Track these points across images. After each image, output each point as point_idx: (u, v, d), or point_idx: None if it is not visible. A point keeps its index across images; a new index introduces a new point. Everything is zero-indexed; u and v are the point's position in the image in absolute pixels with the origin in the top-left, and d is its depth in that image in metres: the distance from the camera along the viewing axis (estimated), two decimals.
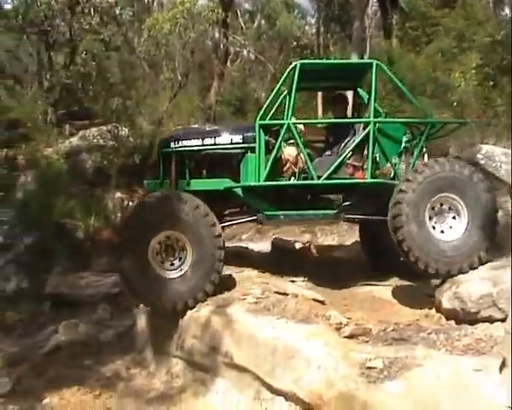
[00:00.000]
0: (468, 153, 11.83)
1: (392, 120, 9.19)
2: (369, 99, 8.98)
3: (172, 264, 8.22)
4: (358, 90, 9.70)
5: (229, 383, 7.39)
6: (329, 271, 9.90)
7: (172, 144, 9.00)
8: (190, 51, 22.36)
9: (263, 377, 7.00)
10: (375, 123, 8.60)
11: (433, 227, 7.99)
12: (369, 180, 8.60)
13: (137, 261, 8.05)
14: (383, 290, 8.81)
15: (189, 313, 8.05)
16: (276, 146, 8.57)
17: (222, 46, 25.23)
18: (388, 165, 9.16)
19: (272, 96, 8.95)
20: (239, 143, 8.84)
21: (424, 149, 8.85)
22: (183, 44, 21.69)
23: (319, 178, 8.56)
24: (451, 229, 8.03)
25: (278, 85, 8.92)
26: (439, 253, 7.85)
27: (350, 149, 8.78)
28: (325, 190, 9.03)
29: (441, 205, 8.05)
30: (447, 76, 19.52)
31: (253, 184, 8.66)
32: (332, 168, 8.58)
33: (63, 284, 11.28)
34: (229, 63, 27.30)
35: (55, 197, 15.33)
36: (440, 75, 19.91)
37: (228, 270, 8.90)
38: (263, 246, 11.49)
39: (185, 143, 8.97)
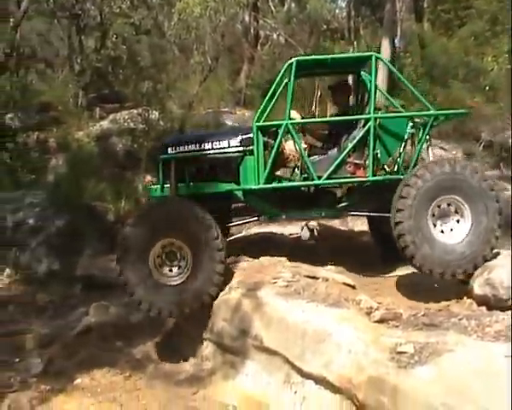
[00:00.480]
0: (501, 137, 11.70)
1: (393, 115, 8.88)
2: (369, 94, 8.78)
3: (171, 270, 8.22)
4: (361, 74, 9.27)
5: (259, 366, 7.40)
6: (357, 256, 9.85)
7: (170, 150, 8.88)
8: (221, 35, 22.31)
9: (293, 360, 6.99)
10: (375, 119, 8.43)
11: (438, 230, 7.87)
12: (371, 178, 8.49)
13: (138, 266, 8.07)
14: (413, 275, 8.74)
15: (219, 295, 8.08)
16: (275, 147, 8.49)
17: (252, 30, 25.17)
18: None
19: (269, 95, 8.81)
20: (237, 147, 8.72)
21: (428, 141, 8.71)
22: (214, 28, 21.63)
23: (319, 177, 8.49)
24: (455, 231, 7.90)
25: (275, 84, 8.78)
26: (443, 256, 7.75)
27: (350, 146, 8.57)
28: (327, 187, 8.92)
29: (447, 205, 7.91)
30: (480, 60, 19.31)
31: (252, 187, 8.61)
32: (332, 168, 8.48)
33: (94, 267, 11.38)
34: (259, 47, 27.20)
35: (85, 180, 15.44)
36: (473, 59, 19.72)
37: (258, 254, 8.92)
38: (291, 230, 11.42)
39: (183, 148, 8.85)
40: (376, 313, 7.15)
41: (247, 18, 25.41)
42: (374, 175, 8.50)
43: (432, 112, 8.54)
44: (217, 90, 21.07)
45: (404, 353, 6.30)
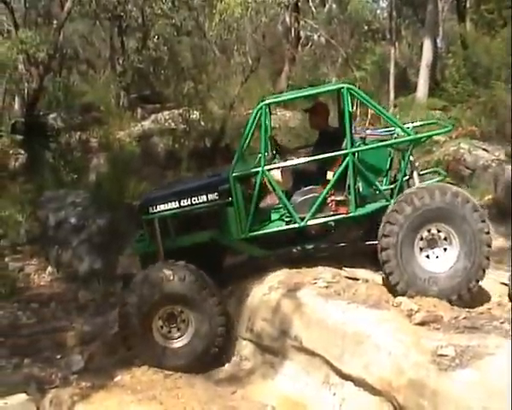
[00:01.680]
0: None
1: (371, 146, 8.38)
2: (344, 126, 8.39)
3: (170, 332, 8.27)
4: (343, 91, 8.58)
5: (298, 366, 7.38)
6: None
7: (151, 209, 8.80)
8: (262, 35, 22.34)
9: (332, 361, 6.96)
10: (353, 153, 8.19)
11: (425, 256, 7.72)
12: (354, 214, 8.26)
13: (142, 332, 8.14)
14: None
15: (259, 296, 8.08)
16: (254, 196, 8.34)
17: (293, 30, 25.13)
18: None
19: (243, 140, 8.71)
20: (216, 200, 8.59)
21: (412, 162, 8.42)
22: (255, 28, 21.68)
23: (302, 219, 8.33)
24: (442, 259, 7.73)
25: (248, 128, 8.63)
26: (428, 285, 7.61)
27: (329, 185, 8.29)
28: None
29: (436, 232, 7.72)
30: None
31: (237, 238, 8.52)
32: (314, 209, 8.28)
33: (134, 265, 11.41)
34: (299, 47, 27.15)
35: (126, 179, 15.60)
36: None
37: (297, 254, 8.91)
38: None
39: (162, 207, 8.73)
40: (417, 315, 7.07)
41: (287, 19, 25.37)
42: (356, 209, 8.27)
43: (411, 137, 8.29)
44: (257, 91, 21.03)
45: (445, 356, 6.23)
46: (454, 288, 7.57)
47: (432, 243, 7.73)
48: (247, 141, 8.73)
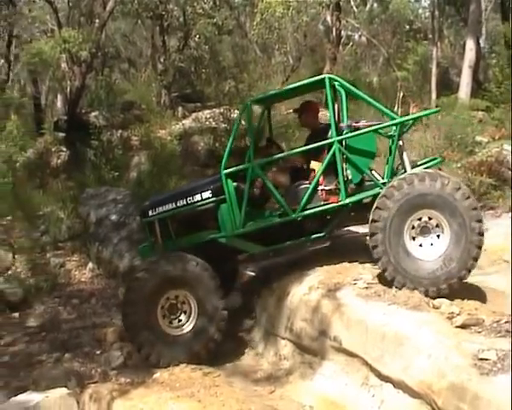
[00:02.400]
0: None
1: (355, 133, 8.38)
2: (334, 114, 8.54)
3: (172, 322, 8.56)
4: (334, 82, 8.71)
5: (337, 367, 7.37)
6: None
7: (150, 212, 9.13)
8: (303, 35, 22.28)
9: (371, 363, 6.93)
10: (339, 142, 8.28)
11: (415, 243, 7.70)
12: (345, 202, 8.32)
13: (145, 320, 8.40)
14: (496, 281, 8.55)
15: (299, 296, 8.08)
16: (246, 190, 8.51)
17: (334, 29, 25.03)
18: None
19: (231, 139, 8.86)
20: (210, 198, 8.82)
21: (401, 147, 8.39)
22: (296, 28, 21.64)
23: (294, 211, 8.44)
24: (432, 247, 7.69)
25: (235, 127, 8.95)
26: (417, 272, 7.60)
27: (318, 175, 8.43)
28: (306, 217, 8.68)
29: (428, 220, 7.69)
30: None
31: (231, 234, 8.70)
32: (305, 200, 8.40)
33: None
34: (340, 47, 27.05)
35: (167, 177, 15.65)
36: None
37: (339, 255, 8.89)
38: None
39: (161, 209, 9.05)
40: (458, 318, 6.99)
41: (328, 18, 25.28)
42: (347, 197, 8.32)
43: (396, 121, 8.39)
44: None
45: (487, 360, 6.14)
46: (442, 277, 7.54)
47: (424, 230, 7.70)
48: (234, 139, 8.96)
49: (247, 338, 9.12)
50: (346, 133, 8.36)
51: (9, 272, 13.75)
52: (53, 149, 20.23)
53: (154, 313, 8.39)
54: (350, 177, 8.39)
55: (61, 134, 20.70)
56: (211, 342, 8.31)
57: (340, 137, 8.29)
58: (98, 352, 9.56)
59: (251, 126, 8.79)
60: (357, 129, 8.42)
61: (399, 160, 8.60)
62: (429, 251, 7.68)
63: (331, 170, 8.35)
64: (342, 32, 26.83)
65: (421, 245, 7.71)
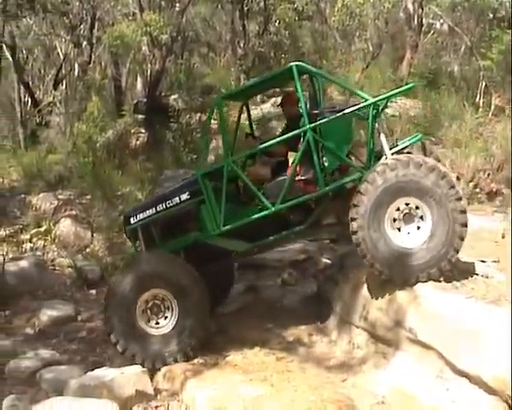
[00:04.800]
0: None
1: (328, 118, 8.16)
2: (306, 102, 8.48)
3: (158, 322, 8.54)
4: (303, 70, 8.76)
5: (411, 358, 7.29)
6: None
7: (132, 220, 9.13)
8: (384, 21, 22.02)
9: (447, 356, 6.83)
10: (313, 129, 8.10)
11: (394, 232, 7.57)
12: (323, 190, 8.18)
13: (125, 318, 8.40)
14: None
15: (375, 285, 8.03)
16: (223, 189, 8.38)
17: (416, 17, 24.64)
18: None
19: (206, 137, 9.18)
20: (189, 200, 8.76)
21: (378, 129, 8.16)
22: (377, 14, 21.40)
23: (274, 204, 8.29)
24: (412, 236, 7.55)
25: (206, 125, 9.07)
26: (396, 261, 7.48)
27: (294, 165, 8.29)
28: (289, 210, 8.54)
29: (406, 208, 7.56)
30: None
31: (213, 233, 8.63)
32: (283, 192, 8.24)
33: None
34: (422, 35, 26.62)
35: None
36: None
37: None
38: None
39: (141, 215, 9.03)
40: None
41: (410, 5, 24.90)
42: (326, 185, 8.18)
43: (369, 101, 8.10)
44: (378, 78, 20.76)
45: None
46: (419, 267, 7.44)
47: (406, 218, 7.57)
48: (208, 138, 8.93)
49: (322, 325, 9.11)
50: (320, 120, 8.24)
51: (88, 250, 14.08)
52: (132, 131, 20.53)
53: (132, 310, 8.41)
54: (326, 164, 8.26)
55: (141, 116, 20.98)
56: (191, 343, 8.33)
57: (312, 125, 8.15)
58: None
59: (223, 123, 8.76)
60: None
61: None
62: (410, 239, 7.57)
63: (308, 159, 8.22)
64: (424, 19, 26.39)
65: (400, 232, 7.60)
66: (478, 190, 13.48)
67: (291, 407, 6.75)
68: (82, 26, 22.60)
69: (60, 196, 16.32)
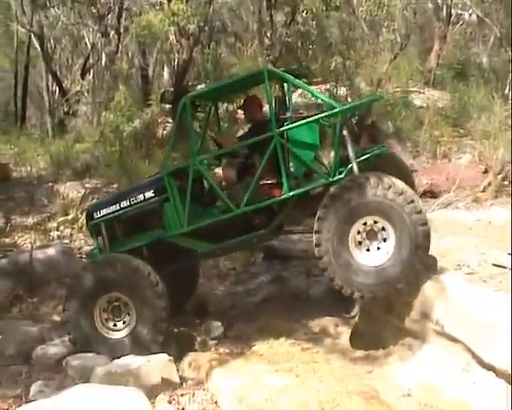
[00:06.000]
0: None
1: (294, 125, 8.16)
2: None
3: (115, 325, 8.46)
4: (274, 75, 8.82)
5: (437, 351, 7.27)
6: None
7: (95, 215, 9.05)
8: (413, 12, 21.86)
9: (473, 349, 6.83)
10: (280, 135, 8.06)
11: (358, 252, 7.60)
12: (287, 195, 8.12)
13: (82, 317, 8.35)
14: None
15: None
16: (188, 188, 8.33)
17: (445, 7, 24.46)
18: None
19: (172, 137, 8.96)
20: (153, 198, 8.71)
21: (345, 137, 7.99)
22: (405, 5, 21.24)
23: (238, 206, 8.25)
24: (377, 253, 7.56)
25: (175, 125, 8.97)
26: (355, 276, 7.51)
27: (260, 169, 8.20)
28: (252, 213, 8.48)
29: (369, 226, 7.58)
30: None
31: (176, 232, 8.58)
32: (247, 195, 8.18)
33: (275, 238, 11.52)
34: (450, 26, 26.42)
35: None
36: None
37: (441, 238, 8.75)
38: (480, 215, 10.95)
39: (105, 211, 8.96)
40: None
41: None
42: (290, 190, 8.12)
43: (337, 109, 8.01)
44: (406, 69, 20.64)
45: None
46: (385, 284, 7.46)
47: (370, 235, 7.60)
48: (175, 137, 9.08)
49: (347, 316, 9.09)
50: (287, 125, 8.23)
51: None
52: (159, 120, 20.58)
53: (89, 313, 8.35)
54: (293, 170, 8.28)
55: (168, 106, 21.04)
56: (145, 352, 8.11)
57: (279, 130, 8.13)
58: (198, 321, 9.73)
59: (190, 123, 8.67)
60: (298, 121, 8.28)
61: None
62: (372, 258, 7.58)
63: (273, 163, 8.18)
64: (452, 10, 26.18)
65: (368, 250, 7.63)
66: (506, 182, 13.36)
67: (316, 397, 6.75)
68: (109, 16, 22.58)
69: (87, 185, 16.39)
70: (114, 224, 8.97)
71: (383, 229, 7.52)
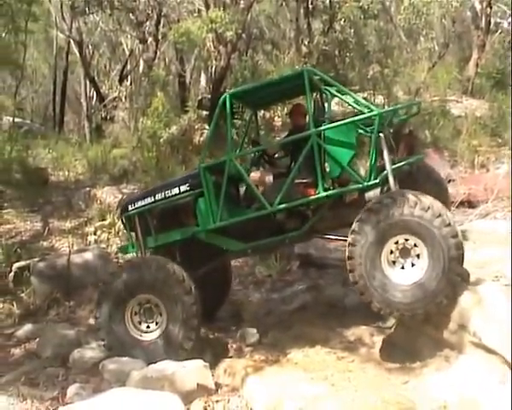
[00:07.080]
0: None
1: (332, 125, 8.20)
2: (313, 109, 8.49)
3: (148, 327, 8.45)
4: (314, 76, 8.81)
5: (474, 363, 7.18)
6: None
7: (130, 207, 9.07)
8: (451, 21, 21.73)
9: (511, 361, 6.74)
10: (317, 134, 8.04)
11: (391, 270, 7.53)
12: (322, 195, 8.09)
13: (114, 322, 8.36)
14: None
15: None
16: (224, 183, 8.30)
17: (484, 16, 24.28)
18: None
19: (211, 133, 8.97)
20: (188, 191, 8.67)
21: (382, 142, 7.95)
22: (444, 13, 21.14)
23: (272, 205, 8.19)
24: (409, 272, 7.49)
25: (214, 120, 8.74)
26: (392, 297, 7.45)
27: (295, 167, 8.20)
28: (286, 213, 8.52)
29: (402, 245, 7.51)
30: None
31: (209, 227, 8.56)
32: (282, 192, 8.14)
33: (312, 246, 11.52)
34: (489, 34, 26.22)
35: None
36: None
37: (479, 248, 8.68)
38: None
39: (140, 203, 8.97)
40: None
41: (477, 4, 24.56)
42: (326, 191, 8.11)
43: (375, 112, 8.01)
44: (444, 78, 20.52)
45: None
46: (423, 300, 7.40)
47: (403, 252, 7.54)
48: (214, 133, 9.12)
49: (383, 326, 9.05)
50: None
51: None
52: (196, 127, 20.65)
53: (121, 316, 8.36)
54: (328, 170, 8.29)
55: (205, 112, 21.11)
56: (179, 350, 8.15)
57: (317, 130, 8.12)
58: (233, 328, 9.75)
59: (229, 120, 8.60)
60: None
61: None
62: (406, 276, 7.51)
63: (309, 163, 8.15)
64: (491, 18, 25.98)
65: (403, 267, 7.58)
66: None
67: (351, 406, 6.75)
68: (148, 23, 22.79)
69: (124, 190, 16.52)
70: (148, 218, 8.98)
71: (415, 245, 7.49)
